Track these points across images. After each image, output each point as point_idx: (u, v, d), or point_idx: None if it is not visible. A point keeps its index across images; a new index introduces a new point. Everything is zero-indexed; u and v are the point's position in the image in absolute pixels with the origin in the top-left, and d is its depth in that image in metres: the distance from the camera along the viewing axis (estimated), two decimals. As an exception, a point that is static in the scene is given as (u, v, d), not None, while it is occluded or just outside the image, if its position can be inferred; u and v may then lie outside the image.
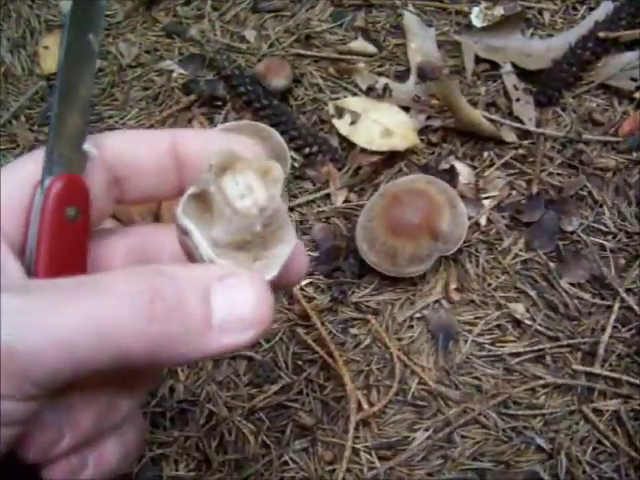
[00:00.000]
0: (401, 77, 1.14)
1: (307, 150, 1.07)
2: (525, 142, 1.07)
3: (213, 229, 0.43)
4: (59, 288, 0.39)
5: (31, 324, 0.36)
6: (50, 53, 1.20)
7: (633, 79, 1.10)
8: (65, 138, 0.46)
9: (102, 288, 0.39)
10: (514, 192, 1.05)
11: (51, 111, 0.46)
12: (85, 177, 0.46)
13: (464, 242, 0.98)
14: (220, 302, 0.41)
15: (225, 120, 1.12)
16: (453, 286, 0.98)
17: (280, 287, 0.47)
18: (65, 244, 0.45)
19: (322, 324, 0.96)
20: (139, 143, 0.50)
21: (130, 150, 0.49)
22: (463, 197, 1.01)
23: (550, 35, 1.16)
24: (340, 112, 1.09)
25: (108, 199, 0.49)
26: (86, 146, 0.47)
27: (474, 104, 1.09)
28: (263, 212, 0.43)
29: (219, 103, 1.14)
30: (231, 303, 0.41)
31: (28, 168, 0.46)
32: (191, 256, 0.44)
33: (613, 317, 0.95)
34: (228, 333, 0.41)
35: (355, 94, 1.13)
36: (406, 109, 1.09)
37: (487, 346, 0.96)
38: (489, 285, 0.99)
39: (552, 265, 0.99)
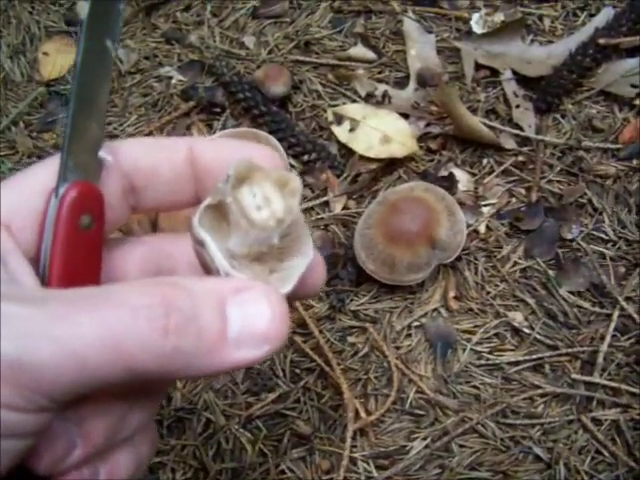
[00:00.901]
0: (400, 83, 1.14)
1: (306, 157, 1.07)
2: (525, 149, 1.07)
3: (229, 240, 0.42)
4: (72, 299, 0.38)
5: (43, 335, 0.36)
6: (50, 59, 1.20)
7: (633, 86, 1.09)
8: (80, 145, 0.45)
9: (116, 300, 0.38)
10: (513, 199, 1.04)
11: (65, 116, 0.45)
12: (100, 185, 0.46)
13: (463, 250, 0.98)
14: (235, 316, 0.40)
15: (224, 127, 1.12)
16: (452, 294, 0.98)
17: (296, 299, 0.46)
18: (79, 252, 0.45)
19: (320, 332, 0.96)
20: (155, 151, 0.49)
21: (146, 158, 0.49)
22: (462, 204, 1.01)
23: (550, 41, 1.16)
24: (339, 119, 1.09)
25: (123, 207, 0.49)
26: (101, 153, 0.46)
27: (474, 111, 1.09)
28: (280, 224, 0.42)
29: (218, 110, 1.13)
30: (246, 317, 0.40)
31: (42, 175, 0.45)
32: (207, 267, 0.43)
33: (612, 326, 0.94)
34: (243, 347, 0.40)
35: (354, 101, 1.12)
36: (405, 116, 1.09)
37: (485, 355, 0.95)
38: (488, 293, 0.98)
39: (551, 273, 0.98)
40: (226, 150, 0.49)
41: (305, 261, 0.44)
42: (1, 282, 0.41)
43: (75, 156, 0.45)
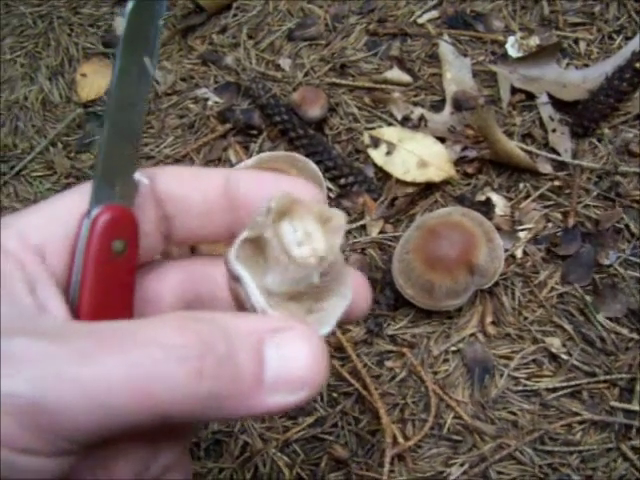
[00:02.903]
0: (436, 107, 1.14)
1: (343, 180, 1.07)
2: (561, 174, 1.07)
3: (266, 277, 0.40)
4: (99, 335, 0.36)
5: (65, 376, 0.34)
6: (88, 81, 1.21)
7: (671, 110, 1.09)
8: (114, 166, 0.44)
9: (146, 337, 0.36)
10: (550, 224, 1.04)
11: (99, 137, 0.43)
12: (135, 210, 0.44)
13: (500, 275, 0.98)
14: (273, 357, 0.38)
15: (260, 149, 1.12)
16: (489, 319, 0.98)
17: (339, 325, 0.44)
18: (111, 278, 0.43)
19: (357, 356, 0.96)
20: (192, 180, 0.47)
21: (181, 186, 0.47)
22: (499, 229, 1.01)
23: (586, 65, 1.16)
24: (376, 142, 1.09)
25: (157, 236, 0.47)
26: (137, 175, 0.45)
27: (510, 135, 1.09)
28: (322, 262, 0.40)
29: (254, 132, 1.14)
30: (284, 359, 0.38)
31: (76, 199, 0.44)
32: (240, 303, 0.41)
33: (651, 353, 0.94)
34: (279, 392, 0.38)
35: (390, 124, 1.12)
36: (441, 139, 1.09)
37: (523, 381, 0.95)
38: (525, 319, 0.98)
39: (589, 299, 0.98)
40: (264, 182, 0.47)
41: (344, 302, 0.42)
42: (28, 311, 0.39)
43: (108, 178, 0.43)
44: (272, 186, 0.46)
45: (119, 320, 0.39)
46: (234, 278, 0.41)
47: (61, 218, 0.43)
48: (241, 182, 0.47)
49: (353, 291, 0.43)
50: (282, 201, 0.41)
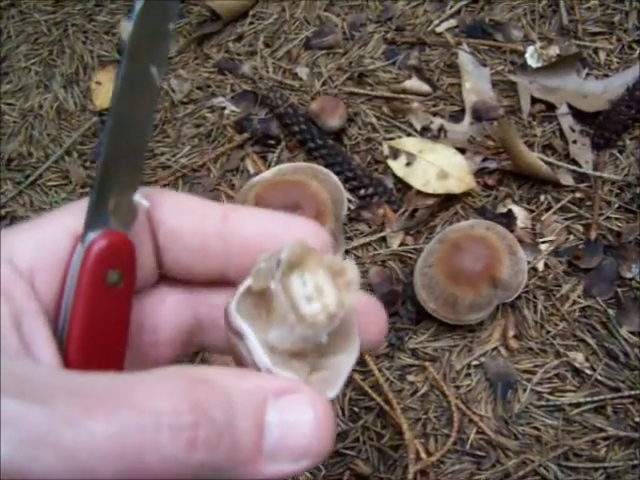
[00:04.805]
0: (456, 117, 1.13)
1: (362, 192, 1.06)
2: (582, 185, 1.06)
3: (270, 332, 0.37)
4: (86, 396, 0.32)
5: (48, 442, 0.31)
6: (103, 89, 1.20)
7: (693, 121, 1.08)
8: (114, 187, 0.40)
9: (137, 401, 0.32)
10: (572, 237, 1.03)
11: (100, 151, 0.39)
12: (132, 235, 0.40)
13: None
14: (274, 423, 0.34)
15: (279, 159, 1.11)
16: (511, 333, 0.97)
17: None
18: (103, 312, 0.39)
19: (379, 370, 0.95)
20: (189, 212, 0.43)
21: (177, 217, 0.42)
22: (520, 241, 1.00)
23: (606, 75, 1.15)
24: (395, 153, 1.08)
25: (152, 266, 0.43)
26: (137, 197, 0.40)
27: (530, 145, 1.08)
28: (332, 320, 0.36)
29: (272, 142, 1.13)
30: (286, 426, 0.35)
31: (67, 219, 0.40)
32: (240, 359, 0.38)
33: (676, 368, 0.93)
34: (279, 461, 0.34)
35: (410, 134, 1.12)
36: (461, 150, 1.08)
37: (546, 395, 0.94)
38: (548, 332, 0.97)
39: (611, 312, 0.97)
40: (269, 225, 0.42)
41: (350, 360, 0.38)
42: (12, 353, 0.35)
43: (106, 200, 0.39)
44: (277, 229, 0.42)
45: (109, 373, 0.35)
46: (234, 333, 0.37)
47: (52, 241, 0.39)
48: (241, 222, 0.42)
49: (367, 320, 0.40)
50: (294, 252, 0.36)
